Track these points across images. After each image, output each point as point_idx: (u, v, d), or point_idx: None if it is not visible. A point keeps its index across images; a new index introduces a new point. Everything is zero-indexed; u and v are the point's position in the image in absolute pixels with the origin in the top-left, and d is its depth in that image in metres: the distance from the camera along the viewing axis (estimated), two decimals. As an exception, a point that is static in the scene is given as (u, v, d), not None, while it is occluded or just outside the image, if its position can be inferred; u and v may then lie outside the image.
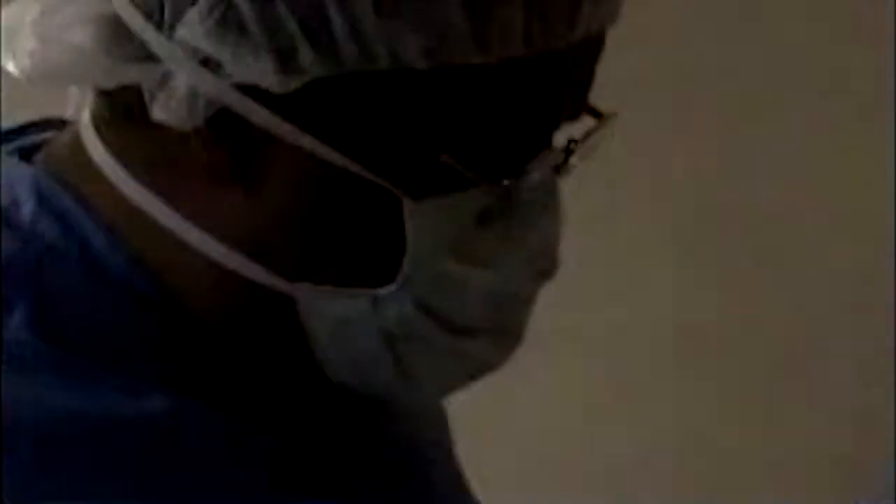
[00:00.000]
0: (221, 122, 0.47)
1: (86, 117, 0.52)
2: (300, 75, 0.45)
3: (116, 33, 0.47)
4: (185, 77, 0.46)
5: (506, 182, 0.48)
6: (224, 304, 0.52)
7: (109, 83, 0.48)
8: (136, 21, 0.47)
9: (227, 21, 0.45)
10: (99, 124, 0.51)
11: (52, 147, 0.55)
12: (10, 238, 0.51)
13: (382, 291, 0.50)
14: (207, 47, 0.45)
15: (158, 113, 0.47)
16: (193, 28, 0.45)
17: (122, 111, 0.50)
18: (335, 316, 0.51)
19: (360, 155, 0.47)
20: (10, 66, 0.50)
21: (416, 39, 0.44)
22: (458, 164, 0.47)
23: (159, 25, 0.46)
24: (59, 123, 0.57)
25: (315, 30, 0.44)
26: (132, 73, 0.47)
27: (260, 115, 0.46)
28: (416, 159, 0.48)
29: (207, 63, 0.46)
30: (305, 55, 0.45)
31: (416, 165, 0.48)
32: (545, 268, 0.53)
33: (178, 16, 0.45)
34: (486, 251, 0.50)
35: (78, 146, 0.52)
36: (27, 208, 0.51)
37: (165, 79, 0.46)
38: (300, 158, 0.48)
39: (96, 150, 0.52)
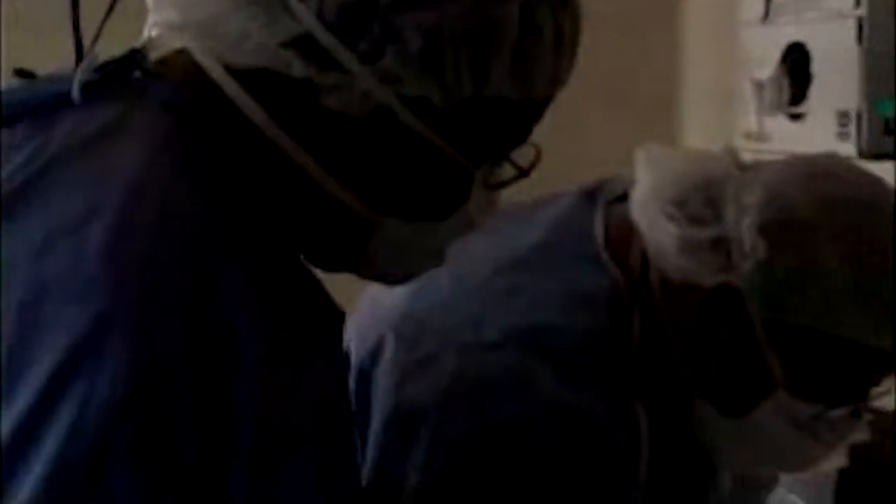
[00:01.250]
0: (377, 113, 0.74)
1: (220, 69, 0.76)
2: (453, 97, 0.75)
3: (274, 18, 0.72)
4: (365, 85, 0.72)
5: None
6: (305, 214, 0.79)
7: (259, 62, 0.73)
8: (328, 39, 0.72)
9: (420, 58, 0.73)
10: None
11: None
12: None
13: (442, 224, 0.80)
14: (401, 72, 0.72)
15: (331, 102, 0.73)
16: (396, 60, 0.72)
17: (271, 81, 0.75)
18: (402, 237, 0.80)
19: (456, 138, 0.76)
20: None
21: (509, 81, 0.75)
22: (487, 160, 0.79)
23: (353, 48, 0.72)
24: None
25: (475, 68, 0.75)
26: (297, 69, 0.72)
27: (407, 117, 0.74)
28: (472, 155, 0.78)
29: (386, 79, 0.72)
30: (465, 84, 0.74)
31: (473, 159, 0.78)
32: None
33: (378, 48, 0.72)
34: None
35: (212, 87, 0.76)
36: None
37: (345, 83, 0.72)
38: (416, 139, 0.75)
39: (242, 99, 0.75)
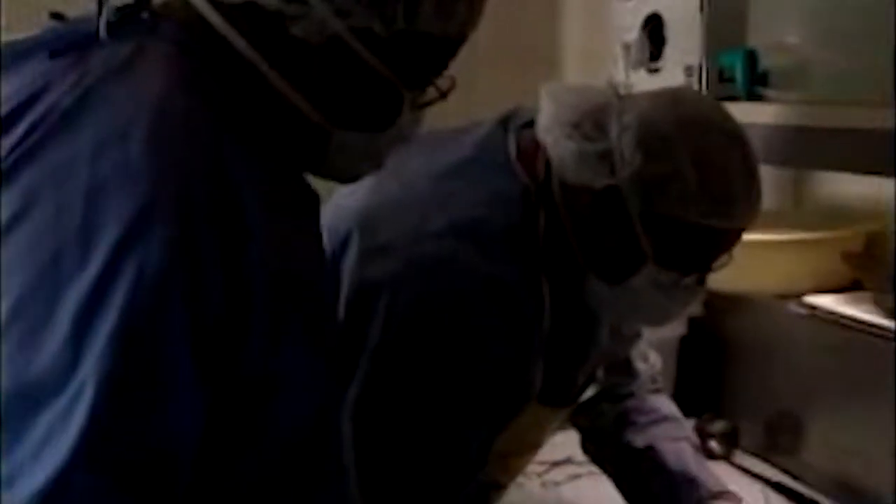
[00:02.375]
0: (331, 41, 0.83)
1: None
2: (390, 27, 0.83)
3: None
4: (321, 16, 0.81)
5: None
6: (281, 123, 0.86)
7: None
8: None
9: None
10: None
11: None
12: None
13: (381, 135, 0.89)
14: (351, 7, 0.81)
15: (296, 30, 0.82)
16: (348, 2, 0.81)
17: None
18: (351, 144, 0.88)
19: (391, 63, 0.85)
20: None
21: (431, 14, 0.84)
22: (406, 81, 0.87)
23: None
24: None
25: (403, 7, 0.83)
26: (270, 2, 0.81)
27: (355, 44, 0.83)
28: (404, 79, 0.87)
29: (339, 12, 0.81)
30: (399, 18, 0.83)
31: (405, 82, 0.87)
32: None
33: None
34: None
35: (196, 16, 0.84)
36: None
37: (306, 13, 0.81)
38: (359, 61, 0.84)
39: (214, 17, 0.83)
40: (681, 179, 1.14)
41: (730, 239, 1.19)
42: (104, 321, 0.71)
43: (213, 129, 0.80)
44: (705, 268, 1.20)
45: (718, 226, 1.16)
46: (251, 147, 0.82)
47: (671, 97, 1.22)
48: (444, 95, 0.91)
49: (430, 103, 0.92)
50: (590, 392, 1.40)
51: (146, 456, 0.73)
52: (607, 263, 1.20)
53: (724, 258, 1.22)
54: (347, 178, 0.97)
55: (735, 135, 1.18)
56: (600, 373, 1.41)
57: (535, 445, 1.38)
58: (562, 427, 1.44)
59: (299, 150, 0.89)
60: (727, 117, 1.20)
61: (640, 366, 1.49)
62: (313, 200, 0.90)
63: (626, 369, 1.47)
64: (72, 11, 0.89)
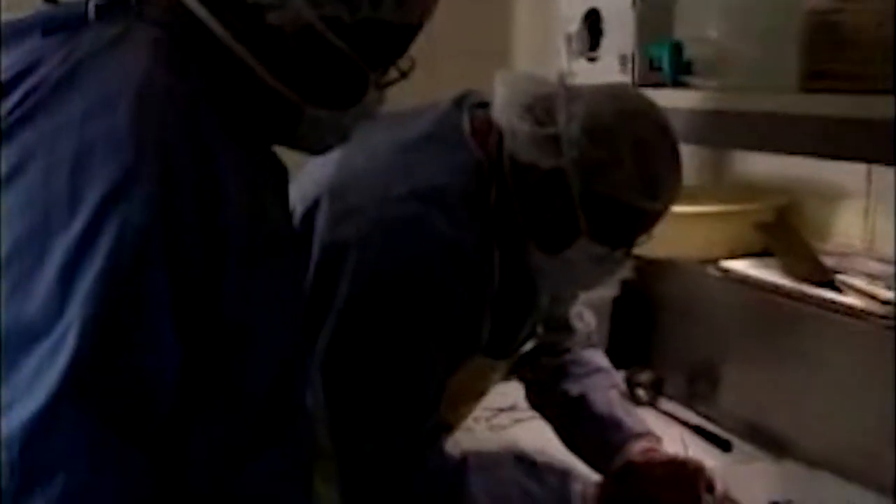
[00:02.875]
0: (304, 28, 0.84)
1: None
2: (356, 15, 0.84)
3: None
4: (295, 6, 0.83)
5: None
6: (254, 102, 0.87)
7: None
8: None
9: None
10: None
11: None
12: None
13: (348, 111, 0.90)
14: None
15: (273, 19, 0.83)
16: None
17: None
18: (321, 120, 0.89)
19: (357, 48, 0.86)
20: None
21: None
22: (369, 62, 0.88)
23: None
24: None
25: None
26: None
27: (325, 31, 0.84)
28: (368, 61, 0.88)
29: (311, 3, 0.83)
30: (364, 8, 0.84)
31: (369, 64, 0.88)
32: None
33: None
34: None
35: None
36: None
37: (282, 3, 0.82)
38: (329, 46, 0.85)
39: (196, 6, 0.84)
40: (618, 165, 1.15)
41: (654, 219, 1.22)
42: (88, 271, 0.72)
43: (193, 104, 0.80)
44: (631, 243, 1.23)
45: (647, 207, 1.18)
46: (227, 121, 0.83)
47: (613, 92, 1.23)
48: (404, 75, 0.92)
49: (392, 83, 0.92)
50: (530, 346, 1.42)
51: (126, 393, 0.74)
52: (547, 235, 1.21)
53: (645, 236, 1.24)
54: (317, 150, 0.97)
55: (665, 128, 1.20)
56: (540, 329, 1.42)
57: (481, 393, 1.40)
58: (506, 378, 1.46)
59: (273, 125, 0.90)
60: (659, 112, 1.22)
61: (576, 324, 1.50)
62: (282, 171, 0.91)
63: (563, 327, 1.49)
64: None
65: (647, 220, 1.21)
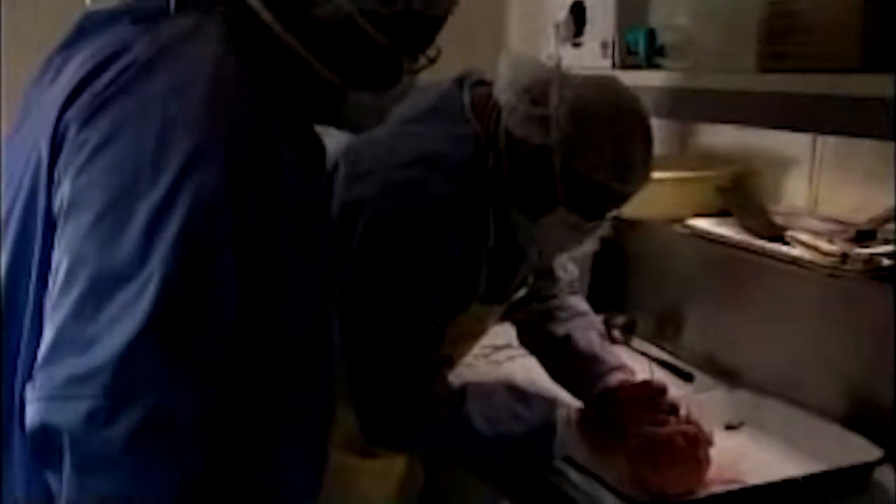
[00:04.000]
0: (345, 20, 0.84)
1: None
2: (391, 9, 0.84)
3: None
4: (338, 1, 0.82)
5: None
6: (305, 86, 0.86)
7: None
8: None
9: None
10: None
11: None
12: None
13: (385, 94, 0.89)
14: None
15: (317, 11, 0.83)
16: None
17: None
18: (362, 102, 0.90)
19: (392, 37, 0.86)
20: None
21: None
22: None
23: None
24: None
25: None
26: None
27: (364, 23, 0.84)
28: (402, 49, 0.87)
29: None
30: (398, 1, 0.84)
31: (403, 51, 0.87)
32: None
33: None
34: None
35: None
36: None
37: None
38: (367, 36, 0.85)
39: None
40: (598, 149, 1.14)
41: (624, 198, 1.21)
42: (168, 227, 0.73)
43: (256, 88, 0.80)
44: (602, 216, 1.22)
45: (618, 188, 1.18)
46: (284, 103, 0.83)
47: (601, 83, 1.21)
48: (432, 61, 0.91)
49: (422, 69, 0.92)
50: (522, 293, 1.41)
51: (197, 332, 0.75)
52: (529, 202, 1.20)
53: (615, 211, 1.23)
54: (358, 129, 0.97)
55: (643, 121, 1.19)
56: (531, 278, 1.41)
57: (479, 333, 1.39)
58: (500, 321, 1.46)
59: (321, 106, 0.89)
60: (639, 105, 1.20)
61: (560, 274, 1.49)
62: (322, 146, 0.91)
63: (549, 276, 1.47)
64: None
65: (617, 199, 1.20)
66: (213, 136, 0.75)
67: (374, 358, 1.16)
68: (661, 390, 1.26)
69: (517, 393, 1.21)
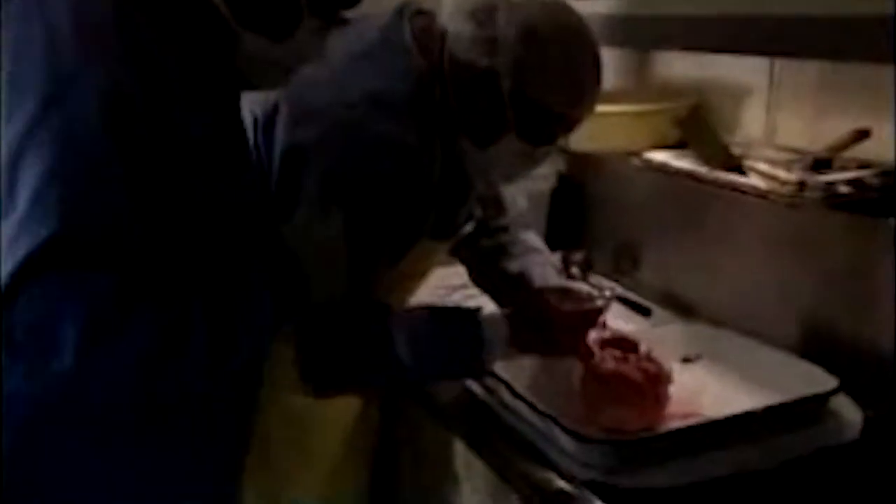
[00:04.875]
0: None
1: None
2: None
3: None
4: None
5: None
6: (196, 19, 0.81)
7: None
8: None
9: None
10: None
11: None
12: None
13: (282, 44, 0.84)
14: None
15: None
16: None
17: None
18: (257, 48, 0.85)
19: None
20: None
21: None
22: None
23: None
24: None
25: None
26: None
27: None
28: None
29: None
30: None
31: None
32: None
33: None
34: None
35: None
36: None
37: None
38: None
39: None
40: (546, 72, 1.10)
41: (574, 122, 1.16)
42: (39, 154, 0.70)
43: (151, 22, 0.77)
44: (552, 141, 1.17)
45: (568, 112, 1.14)
46: (169, 31, 0.78)
47: (550, 5, 1.15)
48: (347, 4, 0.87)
49: (329, 26, 0.88)
50: (469, 227, 1.36)
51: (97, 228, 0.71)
52: (478, 130, 1.15)
53: (565, 136, 1.19)
54: (262, 84, 0.93)
55: (592, 44, 1.15)
56: (478, 211, 1.37)
57: (426, 270, 1.35)
58: (451, 262, 1.42)
59: (211, 46, 0.84)
60: (588, 29, 1.16)
61: (509, 204, 1.45)
62: (235, 88, 0.87)
63: (498, 206, 1.43)
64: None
65: (567, 123, 1.16)
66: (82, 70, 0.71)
67: (315, 300, 1.10)
68: (597, 310, 1.21)
69: (439, 312, 1.17)
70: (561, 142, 1.20)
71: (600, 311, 1.21)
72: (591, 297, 1.22)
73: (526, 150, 1.16)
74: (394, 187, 1.11)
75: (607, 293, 1.23)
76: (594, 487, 1.03)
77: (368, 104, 1.10)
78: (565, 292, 1.25)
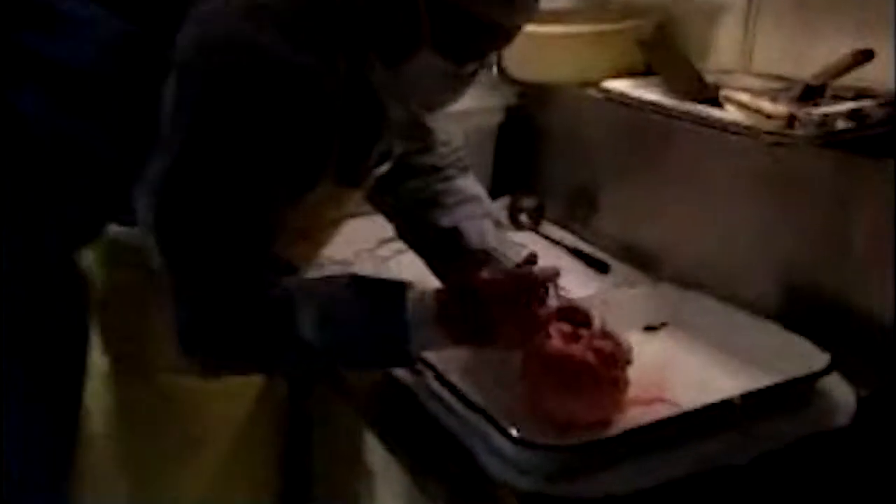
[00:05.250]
0: None
1: None
2: None
3: None
4: None
5: None
6: None
7: None
8: None
9: None
10: None
11: None
12: None
13: None
14: None
15: None
16: None
17: None
18: None
19: None
20: None
21: None
22: None
23: None
24: None
25: None
26: None
27: None
28: None
29: None
30: None
31: None
32: None
33: None
34: None
35: None
36: None
37: None
38: None
39: None
40: None
41: (506, 35, 1.00)
42: None
43: None
44: (480, 58, 1.01)
45: (498, 20, 0.97)
46: None
47: None
48: None
49: None
50: (385, 168, 1.16)
51: None
52: (388, 45, 1.00)
53: (495, 54, 1.05)
54: None
55: None
56: (397, 148, 1.16)
57: (336, 222, 1.17)
58: (364, 208, 1.24)
59: None
60: None
61: (444, 141, 1.25)
62: None
63: (421, 135, 1.23)
64: None
65: (496, 36, 1.00)
66: None
67: (197, 256, 0.95)
68: (535, 280, 1.01)
69: (358, 286, 0.99)
70: (491, 60, 1.05)
71: (538, 278, 1.02)
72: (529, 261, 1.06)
73: (448, 69, 0.99)
74: (284, 117, 0.95)
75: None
76: (533, 500, 0.89)
77: (253, 18, 0.95)
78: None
